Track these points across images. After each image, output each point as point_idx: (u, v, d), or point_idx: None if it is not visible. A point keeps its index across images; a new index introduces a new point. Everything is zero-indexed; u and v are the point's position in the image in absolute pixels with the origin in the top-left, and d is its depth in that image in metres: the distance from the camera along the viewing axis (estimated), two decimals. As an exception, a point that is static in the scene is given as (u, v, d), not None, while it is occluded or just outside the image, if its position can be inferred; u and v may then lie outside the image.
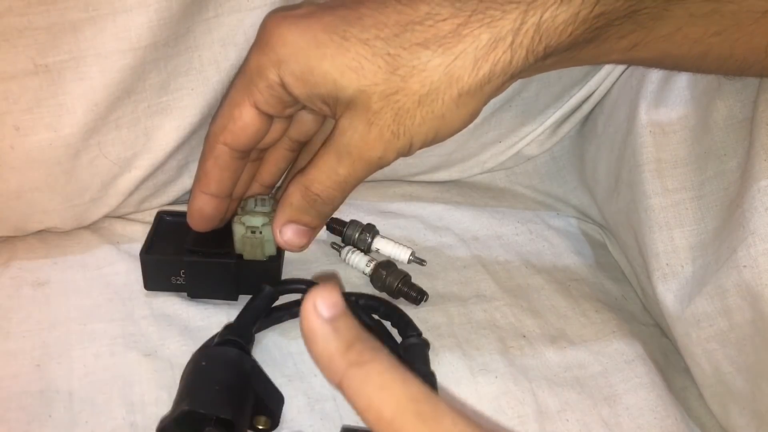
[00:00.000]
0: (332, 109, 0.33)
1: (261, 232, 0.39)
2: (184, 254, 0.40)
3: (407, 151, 0.32)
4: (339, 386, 0.23)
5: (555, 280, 0.47)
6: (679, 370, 0.44)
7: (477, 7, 0.29)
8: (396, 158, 0.33)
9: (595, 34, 0.29)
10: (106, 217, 0.46)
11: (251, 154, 0.38)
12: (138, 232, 0.46)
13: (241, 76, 0.34)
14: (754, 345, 0.37)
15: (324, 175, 0.33)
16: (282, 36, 0.32)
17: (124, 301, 0.41)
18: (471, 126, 0.51)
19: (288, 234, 0.36)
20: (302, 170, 0.35)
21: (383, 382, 0.22)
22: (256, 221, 0.39)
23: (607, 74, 0.50)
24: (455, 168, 0.55)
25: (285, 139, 0.39)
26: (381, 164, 0.33)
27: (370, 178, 0.54)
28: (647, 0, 0.28)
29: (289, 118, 0.37)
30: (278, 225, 0.36)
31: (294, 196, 0.35)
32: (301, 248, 0.37)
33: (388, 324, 0.41)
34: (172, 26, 0.39)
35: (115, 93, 0.40)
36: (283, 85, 0.32)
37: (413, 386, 0.22)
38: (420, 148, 0.32)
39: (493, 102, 0.50)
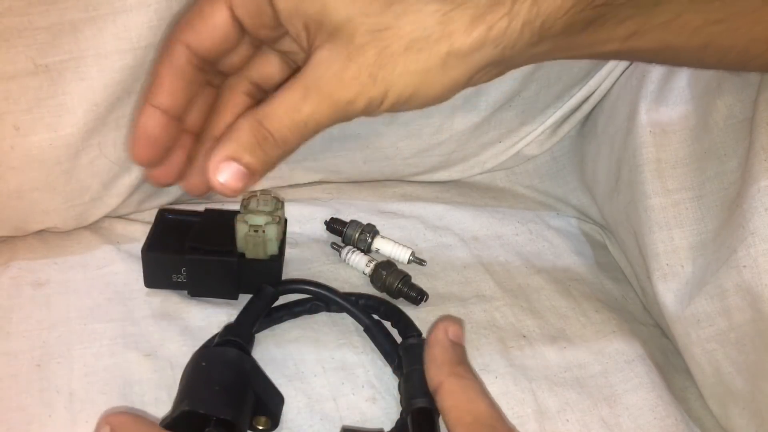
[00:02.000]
0: (309, 37, 0.29)
1: (264, 231, 0.39)
2: (185, 252, 0.40)
3: (378, 104, 0.29)
4: (439, 385, 0.33)
5: (555, 280, 0.47)
6: (679, 370, 0.44)
7: None
8: (363, 110, 0.30)
9: (594, 14, 0.28)
10: (106, 217, 0.46)
11: (209, 75, 0.34)
12: (138, 232, 0.46)
13: None
14: (754, 345, 0.37)
15: (283, 110, 0.29)
16: None
17: (124, 301, 0.41)
18: (471, 126, 0.51)
19: (226, 174, 0.30)
20: (250, 106, 0.31)
21: (475, 396, 0.33)
22: (259, 220, 0.39)
23: (608, 74, 0.50)
24: (455, 168, 0.55)
25: (244, 81, 0.34)
26: (347, 111, 0.29)
27: (370, 177, 0.54)
28: None
29: (252, 49, 0.33)
30: (216, 161, 0.30)
31: (242, 130, 0.30)
32: (234, 194, 0.31)
33: (388, 324, 0.41)
34: (172, 26, 0.39)
35: (115, 93, 0.40)
36: None
37: (496, 405, 0.33)
38: (391, 106, 0.30)
39: (494, 102, 0.50)
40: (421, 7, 0.28)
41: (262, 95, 0.35)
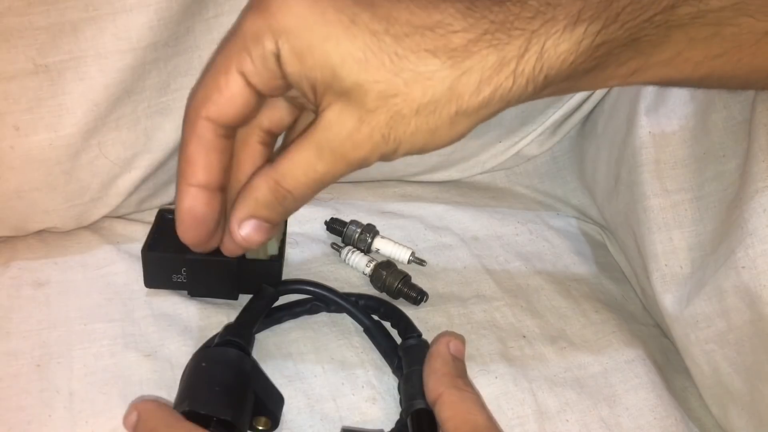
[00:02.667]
0: (318, 98, 0.30)
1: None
2: (185, 252, 0.40)
3: (390, 157, 0.31)
4: (438, 396, 0.34)
5: (555, 280, 0.47)
6: (679, 370, 0.44)
7: (488, 28, 0.28)
8: (376, 162, 0.31)
9: (595, 63, 0.29)
10: (106, 217, 0.46)
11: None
12: (138, 232, 0.46)
13: (232, 42, 0.30)
14: (753, 346, 0.37)
15: (300, 170, 0.31)
16: (286, 3, 0.29)
17: (124, 301, 0.41)
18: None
19: (247, 230, 0.32)
20: (271, 163, 0.32)
21: (473, 407, 0.33)
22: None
23: (607, 74, 0.50)
24: (455, 168, 0.55)
25: (256, 131, 0.35)
26: (361, 166, 0.31)
27: (369, 177, 0.54)
28: (648, 28, 0.28)
29: (262, 100, 0.33)
30: (238, 219, 0.32)
31: (260, 190, 0.32)
32: (258, 246, 0.33)
33: (387, 324, 0.41)
34: (172, 26, 0.39)
35: (115, 93, 0.40)
36: (278, 58, 0.29)
37: (494, 419, 0.33)
38: (402, 156, 0.31)
39: (493, 102, 0.50)
40: (431, 75, 0.28)
41: (273, 139, 0.36)
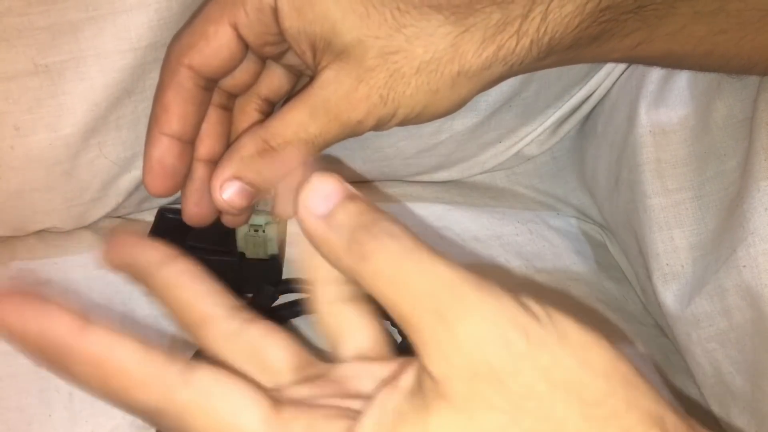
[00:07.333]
0: (316, 57, 0.29)
1: (264, 231, 0.39)
2: (185, 251, 0.40)
3: (386, 122, 0.30)
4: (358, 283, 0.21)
5: (555, 280, 0.47)
6: (679, 370, 0.44)
7: None
8: (372, 128, 0.30)
9: (600, 29, 0.28)
10: (106, 217, 0.46)
11: (214, 95, 0.33)
12: (138, 232, 0.45)
13: None
14: (754, 345, 0.37)
15: (290, 130, 0.29)
16: None
17: (124, 301, 0.41)
18: (471, 126, 0.51)
19: (230, 192, 0.31)
20: (262, 122, 0.31)
21: (394, 275, 0.20)
22: (259, 219, 0.39)
23: (607, 74, 0.50)
24: (455, 168, 0.55)
25: (254, 98, 0.34)
26: (356, 130, 0.30)
27: (370, 178, 0.54)
28: None
29: (260, 64, 0.33)
30: (221, 179, 0.30)
31: (247, 148, 0.30)
32: (239, 212, 0.32)
33: (388, 324, 0.41)
34: (172, 26, 0.39)
35: (115, 93, 0.40)
36: (274, 11, 0.28)
37: (435, 273, 0.19)
38: (399, 123, 0.30)
39: (493, 102, 0.50)
40: (433, 31, 0.28)
41: (272, 108, 0.35)
